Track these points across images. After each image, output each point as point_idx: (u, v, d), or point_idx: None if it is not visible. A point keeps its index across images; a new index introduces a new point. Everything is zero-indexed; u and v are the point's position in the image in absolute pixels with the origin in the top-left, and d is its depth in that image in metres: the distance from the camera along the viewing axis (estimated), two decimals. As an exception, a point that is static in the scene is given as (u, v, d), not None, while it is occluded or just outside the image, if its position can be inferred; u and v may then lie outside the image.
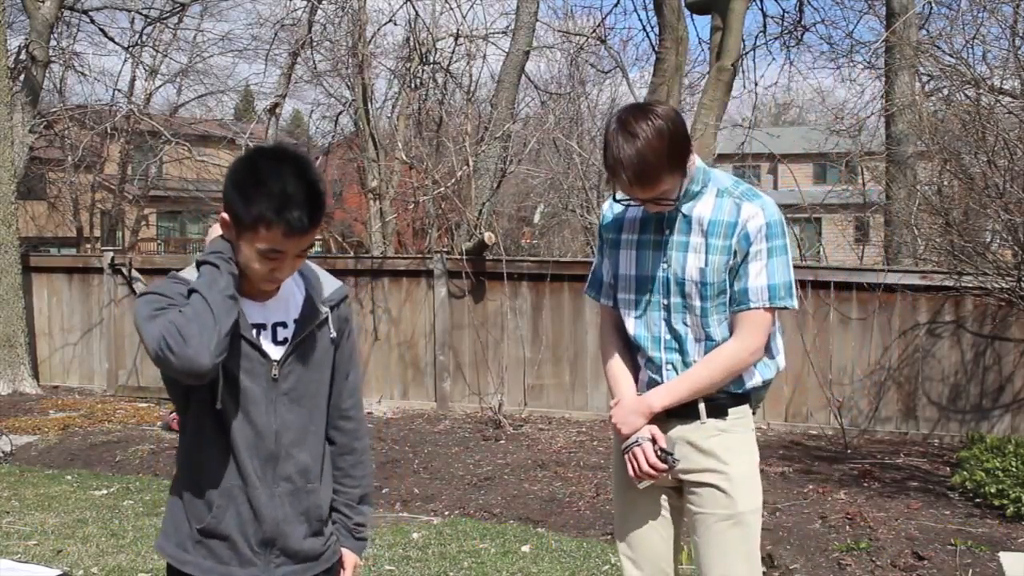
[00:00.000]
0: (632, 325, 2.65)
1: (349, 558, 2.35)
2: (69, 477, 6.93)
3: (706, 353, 2.56)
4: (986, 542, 4.96)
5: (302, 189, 2.03)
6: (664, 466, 2.54)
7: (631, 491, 2.66)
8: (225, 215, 2.09)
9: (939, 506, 5.68)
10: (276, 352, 2.17)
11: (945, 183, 8.02)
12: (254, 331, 2.16)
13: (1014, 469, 5.66)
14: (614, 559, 4.95)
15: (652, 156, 2.38)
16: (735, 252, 2.50)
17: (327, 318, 2.24)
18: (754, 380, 2.61)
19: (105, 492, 6.48)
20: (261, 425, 2.15)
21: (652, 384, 2.62)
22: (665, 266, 2.56)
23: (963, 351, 7.77)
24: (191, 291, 2.03)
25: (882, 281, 7.87)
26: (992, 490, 5.56)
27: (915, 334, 7.89)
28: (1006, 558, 4.61)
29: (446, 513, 5.97)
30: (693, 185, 2.53)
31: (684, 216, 2.54)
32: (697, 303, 2.53)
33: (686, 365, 2.57)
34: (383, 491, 6.43)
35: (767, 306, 2.52)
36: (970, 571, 4.59)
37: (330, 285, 2.29)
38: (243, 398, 2.12)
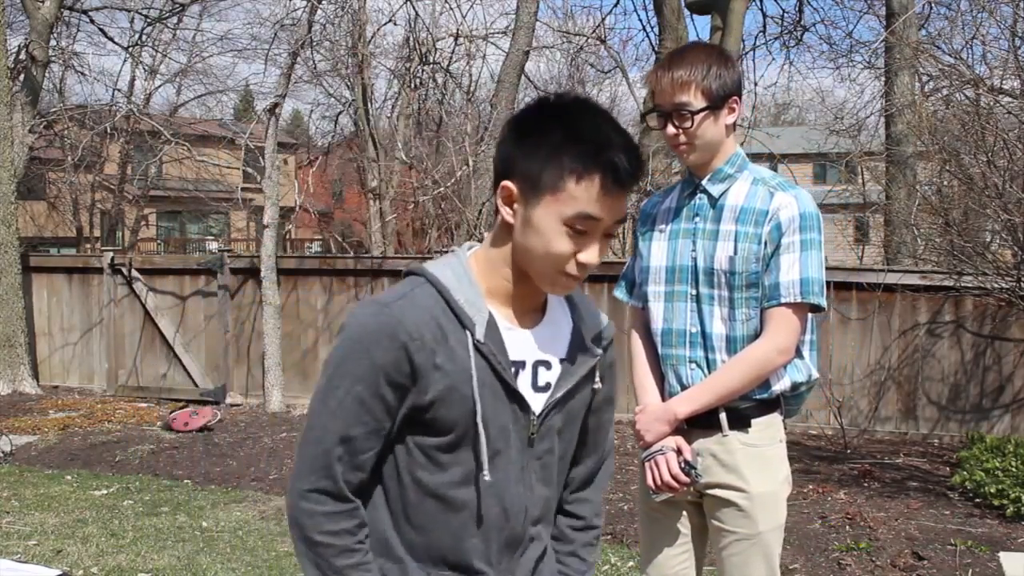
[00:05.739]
0: (659, 319, 2.51)
1: None
2: (69, 477, 6.93)
3: (733, 354, 2.41)
4: (986, 542, 4.96)
5: (620, 135, 1.52)
6: (686, 479, 2.39)
7: (653, 510, 2.54)
8: (508, 183, 1.55)
9: (939, 506, 5.68)
10: (537, 402, 1.58)
11: (945, 183, 8.02)
12: (512, 370, 1.57)
13: (1014, 469, 5.66)
14: (614, 559, 4.95)
15: (696, 54, 2.44)
16: (765, 243, 2.37)
17: (597, 363, 1.66)
18: (782, 383, 2.45)
19: (105, 492, 6.48)
20: (511, 500, 1.57)
21: (673, 385, 2.49)
22: (694, 255, 2.45)
23: (963, 351, 7.77)
24: None
25: (882, 281, 7.86)
26: (992, 490, 5.56)
27: (915, 334, 7.89)
28: (1006, 558, 4.61)
29: (446, 513, 5.96)
30: (727, 166, 2.45)
31: (716, 203, 2.45)
32: (726, 293, 2.40)
33: (709, 363, 2.43)
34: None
35: (799, 301, 2.36)
36: (970, 571, 4.59)
37: (601, 317, 1.71)
38: (492, 464, 1.54)
